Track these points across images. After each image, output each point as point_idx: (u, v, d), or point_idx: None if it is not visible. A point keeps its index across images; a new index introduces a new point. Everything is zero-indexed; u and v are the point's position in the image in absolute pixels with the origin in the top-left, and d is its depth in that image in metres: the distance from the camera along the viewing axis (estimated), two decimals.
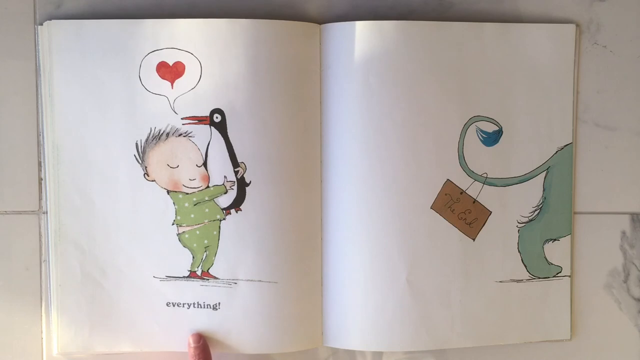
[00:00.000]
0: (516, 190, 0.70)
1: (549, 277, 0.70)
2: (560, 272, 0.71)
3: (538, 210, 0.70)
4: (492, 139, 0.69)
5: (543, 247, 0.70)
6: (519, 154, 0.70)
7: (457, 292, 0.69)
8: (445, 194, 0.69)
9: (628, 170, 0.71)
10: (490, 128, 0.69)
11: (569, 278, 0.71)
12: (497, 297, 0.70)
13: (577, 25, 0.70)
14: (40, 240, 0.70)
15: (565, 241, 0.71)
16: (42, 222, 0.69)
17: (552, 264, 0.70)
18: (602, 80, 0.71)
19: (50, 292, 0.69)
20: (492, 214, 0.69)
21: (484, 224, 0.69)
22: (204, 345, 0.67)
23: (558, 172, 0.70)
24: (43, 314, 0.70)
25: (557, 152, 0.70)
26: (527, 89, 0.69)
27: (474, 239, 0.69)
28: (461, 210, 0.69)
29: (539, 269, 0.70)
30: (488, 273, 0.70)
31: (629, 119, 0.71)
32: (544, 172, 0.70)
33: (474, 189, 0.69)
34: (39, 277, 0.70)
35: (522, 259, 0.70)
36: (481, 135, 0.69)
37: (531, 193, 0.70)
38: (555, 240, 0.70)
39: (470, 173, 0.69)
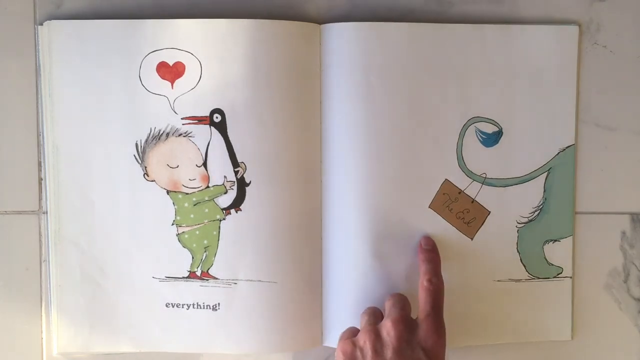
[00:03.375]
0: (516, 190, 0.70)
1: (549, 278, 0.70)
2: (561, 272, 0.71)
3: (538, 211, 0.70)
4: (491, 139, 0.69)
5: (543, 248, 0.70)
6: (519, 155, 0.69)
7: (456, 291, 0.69)
8: (444, 194, 0.69)
9: (628, 170, 0.71)
10: (490, 129, 0.69)
11: (570, 279, 0.71)
12: (495, 296, 0.70)
13: (580, 22, 0.70)
14: (40, 240, 0.70)
15: (566, 242, 0.71)
16: (42, 222, 0.69)
17: (552, 264, 0.70)
18: (602, 80, 0.70)
19: (50, 292, 0.69)
20: (491, 213, 0.69)
21: (482, 224, 0.69)
22: (435, 247, 0.68)
23: (559, 173, 0.70)
24: (43, 314, 0.70)
25: (558, 153, 0.70)
26: (529, 90, 0.69)
27: (472, 238, 0.69)
28: (459, 210, 0.69)
29: (539, 269, 0.70)
30: (487, 272, 0.70)
31: (629, 119, 0.71)
32: (545, 173, 0.70)
33: (472, 189, 0.69)
34: (39, 277, 0.70)
35: (521, 259, 0.70)
36: (480, 136, 0.69)
37: (531, 194, 0.70)
38: (555, 241, 0.70)
39: (469, 173, 0.69)
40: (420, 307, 0.64)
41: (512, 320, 0.70)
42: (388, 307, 0.64)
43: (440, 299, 0.64)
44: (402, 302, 0.65)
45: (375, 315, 0.65)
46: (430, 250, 0.67)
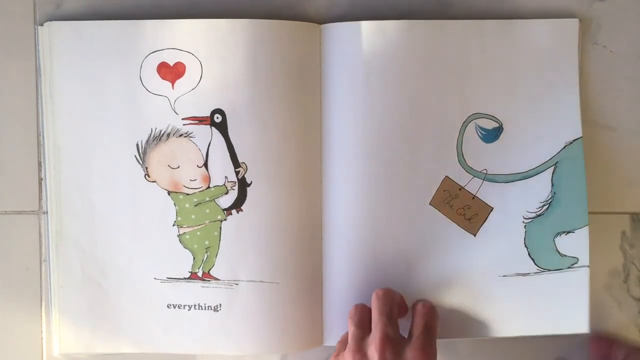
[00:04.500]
0: (520, 186, 0.69)
1: (562, 269, 0.70)
2: (577, 262, 0.69)
3: (547, 206, 0.69)
4: (491, 135, 0.69)
5: (554, 240, 0.69)
6: (521, 150, 0.69)
7: (458, 288, 0.69)
8: (444, 190, 0.69)
9: (628, 170, 0.71)
10: (490, 125, 0.69)
11: (587, 268, 0.69)
12: (500, 290, 0.69)
13: (580, 20, 0.69)
14: (40, 240, 0.70)
15: (581, 232, 0.69)
16: (42, 222, 0.69)
17: (565, 255, 0.69)
18: (602, 80, 0.70)
19: (50, 293, 0.69)
20: (494, 210, 0.69)
21: (485, 220, 0.69)
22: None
23: (568, 166, 0.69)
24: (43, 314, 0.70)
25: (565, 147, 0.69)
26: (530, 85, 0.69)
27: (475, 235, 0.69)
28: (460, 206, 0.69)
29: (550, 262, 0.69)
30: (490, 268, 0.69)
31: (629, 119, 0.71)
32: (552, 168, 0.69)
33: (473, 185, 0.69)
34: (39, 277, 0.70)
35: (529, 253, 0.69)
36: (480, 132, 0.69)
37: (538, 188, 0.69)
38: (569, 232, 0.69)
39: (469, 170, 0.69)
40: (411, 327, 0.64)
41: (520, 313, 0.69)
42: (375, 315, 0.63)
43: (433, 321, 0.64)
44: (390, 307, 0.63)
45: (362, 327, 0.63)
46: None
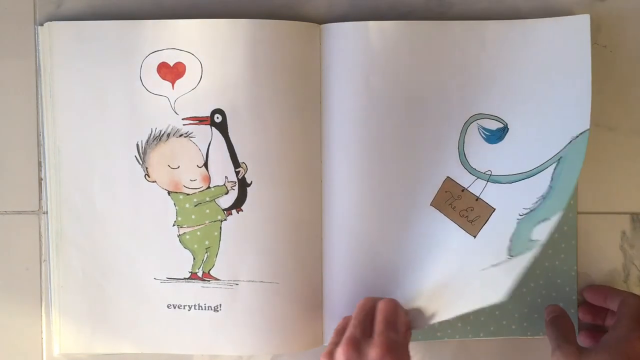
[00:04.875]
0: (523, 185, 0.68)
1: (522, 253, 0.62)
2: (536, 245, 0.61)
3: (541, 200, 0.66)
4: (496, 136, 0.69)
5: (532, 229, 0.63)
6: (527, 149, 0.68)
7: (448, 285, 0.68)
8: (446, 191, 0.69)
9: (628, 170, 0.71)
10: (494, 125, 0.69)
11: (537, 248, 0.61)
12: (475, 283, 0.64)
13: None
14: (40, 240, 0.70)
15: (554, 218, 0.62)
16: (42, 222, 0.69)
17: (532, 240, 0.62)
18: (602, 80, 0.70)
19: (50, 293, 0.69)
20: (496, 210, 0.68)
21: (486, 221, 0.69)
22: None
23: (569, 161, 0.66)
24: (43, 314, 0.70)
25: (570, 142, 0.66)
26: (537, 83, 0.68)
27: (474, 236, 0.69)
28: (463, 208, 0.69)
29: (518, 249, 0.63)
30: (478, 265, 0.66)
31: (629, 119, 0.71)
32: (555, 164, 0.66)
33: (477, 187, 0.69)
34: (39, 277, 0.70)
35: (508, 246, 0.64)
36: (483, 133, 0.69)
37: (538, 186, 0.67)
38: (546, 219, 0.62)
39: (472, 170, 0.69)
40: (374, 325, 0.62)
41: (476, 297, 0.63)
42: (350, 321, 0.63)
43: (392, 316, 0.62)
44: (364, 312, 0.63)
45: (341, 334, 0.63)
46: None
